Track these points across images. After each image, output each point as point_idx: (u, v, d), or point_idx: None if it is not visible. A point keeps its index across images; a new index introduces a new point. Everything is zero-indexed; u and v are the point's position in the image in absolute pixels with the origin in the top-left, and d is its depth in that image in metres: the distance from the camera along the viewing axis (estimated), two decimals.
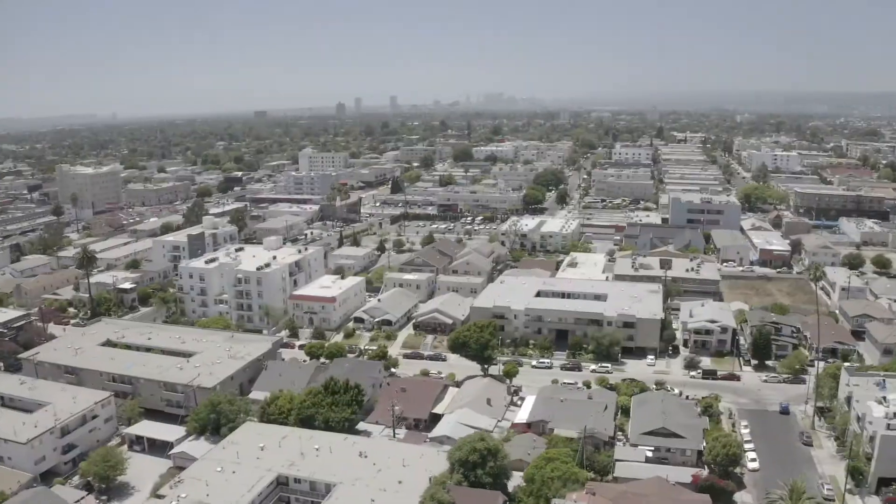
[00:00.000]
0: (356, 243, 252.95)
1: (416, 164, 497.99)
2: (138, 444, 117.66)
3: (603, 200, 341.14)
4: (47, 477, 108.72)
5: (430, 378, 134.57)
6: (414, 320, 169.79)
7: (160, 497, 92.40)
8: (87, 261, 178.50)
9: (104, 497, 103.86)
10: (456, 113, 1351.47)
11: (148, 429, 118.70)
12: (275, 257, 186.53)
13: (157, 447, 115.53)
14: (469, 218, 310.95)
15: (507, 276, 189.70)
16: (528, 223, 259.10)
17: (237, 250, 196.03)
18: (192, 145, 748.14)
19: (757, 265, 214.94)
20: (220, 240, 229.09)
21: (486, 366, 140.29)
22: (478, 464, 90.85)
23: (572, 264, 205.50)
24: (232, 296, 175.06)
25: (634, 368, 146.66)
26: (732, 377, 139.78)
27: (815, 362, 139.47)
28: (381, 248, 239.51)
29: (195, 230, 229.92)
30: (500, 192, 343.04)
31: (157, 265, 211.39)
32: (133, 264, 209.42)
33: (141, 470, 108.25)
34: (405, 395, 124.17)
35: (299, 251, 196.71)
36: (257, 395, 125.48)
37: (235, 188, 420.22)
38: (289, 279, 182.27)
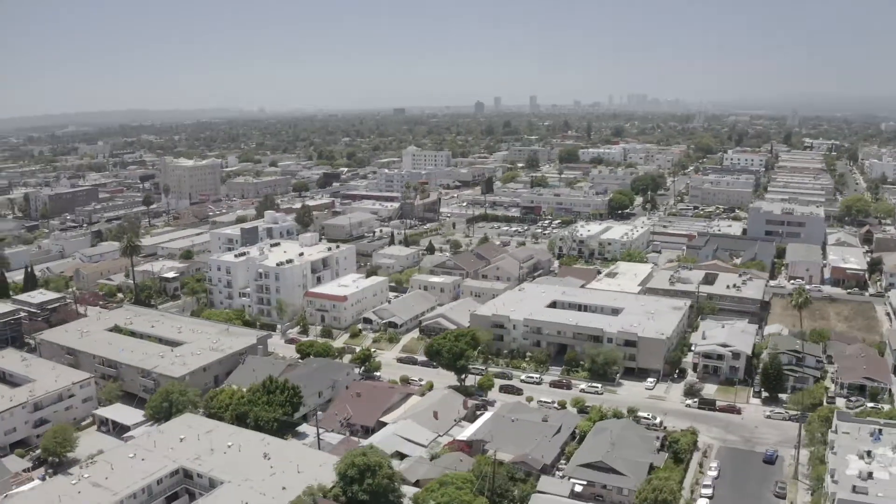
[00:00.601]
0: (409, 243, 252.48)
1: (521, 165, 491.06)
2: (105, 425, 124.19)
3: (696, 207, 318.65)
4: (17, 447, 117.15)
5: (394, 385, 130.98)
6: (421, 324, 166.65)
7: (68, 475, 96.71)
8: (131, 250, 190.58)
9: (51, 470, 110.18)
10: (592, 114, 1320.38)
11: (114, 412, 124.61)
12: (301, 254, 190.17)
13: (121, 429, 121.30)
14: (547, 221, 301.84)
15: (531, 284, 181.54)
16: (590, 229, 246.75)
17: (273, 245, 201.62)
18: (318, 140, 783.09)
19: (829, 284, 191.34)
20: (275, 234, 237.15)
21: (461, 376, 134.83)
22: (355, 479, 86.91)
23: (611, 274, 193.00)
24: (253, 290, 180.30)
25: (629, 391, 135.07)
26: (732, 409, 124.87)
27: (826, 399, 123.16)
28: (430, 249, 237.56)
29: (256, 224, 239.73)
30: (583, 196, 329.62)
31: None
32: (186, 254, 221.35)
33: (97, 449, 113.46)
34: (358, 401, 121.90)
35: (329, 249, 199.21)
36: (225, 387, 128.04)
37: (335, 184, 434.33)
38: (311, 276, 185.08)
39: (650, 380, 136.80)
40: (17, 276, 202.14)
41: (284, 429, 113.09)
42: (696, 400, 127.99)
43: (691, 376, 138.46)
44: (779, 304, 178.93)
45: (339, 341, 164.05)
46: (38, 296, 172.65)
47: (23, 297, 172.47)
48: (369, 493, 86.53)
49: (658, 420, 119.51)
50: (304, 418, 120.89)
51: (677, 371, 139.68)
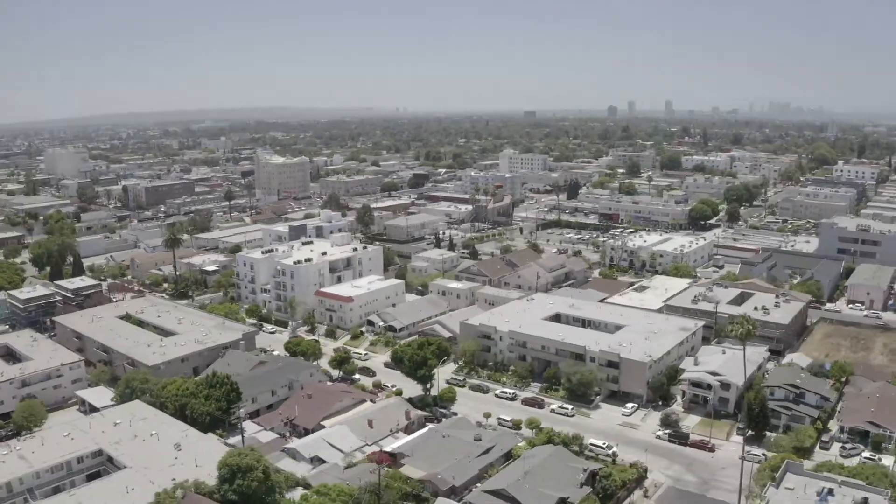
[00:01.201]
0: (457, 247, 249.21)
1: (621, 171, 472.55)
2: (83, 405, 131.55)
3: (785, 221, 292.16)
4: (3, 418, 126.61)
5: (348, 390, 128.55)
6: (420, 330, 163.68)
7: (6, 446, 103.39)
8: (173, 242, 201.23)
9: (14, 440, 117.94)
10: (726, 121, 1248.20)
11: (92, 394, 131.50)
12: (325, 253, 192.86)
13: (93, 410, 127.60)
14: (619, 230, 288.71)
15: (543, 295, 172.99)
16: (645, 239, 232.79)
17: (304, 243, 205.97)
18: (434, 141, 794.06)
19: (893, 310, 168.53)
20: (325, 232, 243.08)
21: (425, 385, 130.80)
22: (227, 478, 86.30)
23: (641, 288, 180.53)
24: (272, 286, 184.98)
25: (604, 416, 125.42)
26: (704, 446, 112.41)
27: (819, 443, 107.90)
28: (473, 254, 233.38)
29: (305, 222, 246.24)
30: (662, 205, 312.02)
31: None
32: (235, 249, 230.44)
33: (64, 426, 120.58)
34: (307, 402, 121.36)
35: (354, 249, 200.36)
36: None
37: (427, 184, 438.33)
38: (329, 275, 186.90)
39: (629, 405, 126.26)
40: (86, 263, 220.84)
41: (221, 424, 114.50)
42: (667, 431, 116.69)
43: (679, 405, 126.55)
44: (823, 330, 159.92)
45: (340, 342, 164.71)
46: (78, 282, 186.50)
47: (63, 282, 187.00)
48: (238, 493, 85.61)
49: (612, 450, 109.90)
50: (257, 413, 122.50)
51: (663, 398, 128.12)
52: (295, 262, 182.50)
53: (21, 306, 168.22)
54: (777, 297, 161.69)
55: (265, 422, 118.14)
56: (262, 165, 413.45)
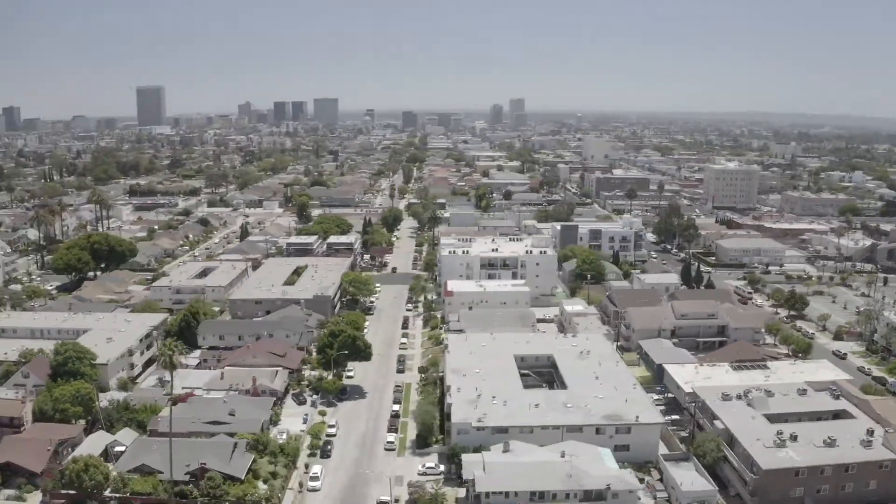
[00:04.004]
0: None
1: None
2: None
3: None
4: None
5: (281, 355, 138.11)
6: None
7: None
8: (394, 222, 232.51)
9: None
10: None
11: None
12: (495, 249, 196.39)
13: None
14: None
15: (598, 338, 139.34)
16: None
17: (511, 240, 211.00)
18: None
19: None
20: (603, 237, 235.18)
21: (332, 370, 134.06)
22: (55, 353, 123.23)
23: (739, 367, 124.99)
24: (438, 271, 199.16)
25: (409, 464, 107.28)
26: None
27: None
28: (709, 285, 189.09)
29: (577, 223, 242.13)
30: None
31: None
32: None
33: None
34: (243, 351, 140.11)
35: (529, 252, 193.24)
36: None
37: None
38: (479, 270, 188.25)
39: (430, 464, 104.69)
40: None
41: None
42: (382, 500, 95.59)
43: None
44: None
45: (420, 329, 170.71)
46: (343, 238, 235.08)
47: (334, 237, 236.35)
48: (51, 364, 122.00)
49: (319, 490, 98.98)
50: (229, 349, 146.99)
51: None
52: (449, 253, 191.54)
53: (285, 247, 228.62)
54: (869, 432, 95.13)
55: (212, 355, 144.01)
56: (706, 170, 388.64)
